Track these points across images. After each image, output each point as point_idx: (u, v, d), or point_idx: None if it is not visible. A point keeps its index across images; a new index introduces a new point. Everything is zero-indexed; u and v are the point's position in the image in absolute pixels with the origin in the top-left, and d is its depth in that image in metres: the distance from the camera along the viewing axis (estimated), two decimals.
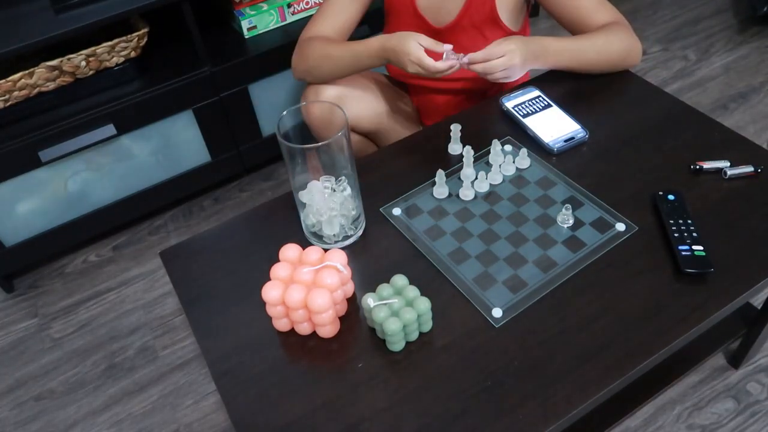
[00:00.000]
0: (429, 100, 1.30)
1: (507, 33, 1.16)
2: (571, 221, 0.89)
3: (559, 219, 0.90)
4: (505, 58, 0.99)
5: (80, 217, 1.51)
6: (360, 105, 1.21)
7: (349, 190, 0.87)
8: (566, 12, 1.11)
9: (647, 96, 1.12)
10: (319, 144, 0.79)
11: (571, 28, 1.13)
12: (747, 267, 0.82)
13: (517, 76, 1.04)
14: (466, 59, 1.00)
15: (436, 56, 1.00)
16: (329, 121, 1.02)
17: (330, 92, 1.16)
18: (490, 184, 0.97)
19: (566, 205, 0.88)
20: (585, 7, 1.09)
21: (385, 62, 1.07)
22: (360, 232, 0.91)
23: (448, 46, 1.00)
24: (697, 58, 2.04)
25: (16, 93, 1.32)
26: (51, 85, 1.36)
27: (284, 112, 0.83)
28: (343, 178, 0.86)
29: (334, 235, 0.89)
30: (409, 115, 1.34)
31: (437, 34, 1.16)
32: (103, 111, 1.38)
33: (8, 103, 1.33)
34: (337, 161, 0.85)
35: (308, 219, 0.89)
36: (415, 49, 0.99)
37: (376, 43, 1.05)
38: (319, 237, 0.90)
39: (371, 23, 1.58)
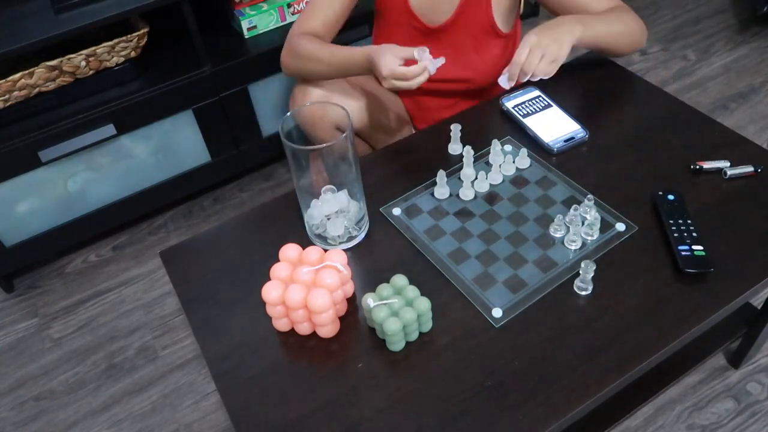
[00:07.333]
0: (420, 102, 1.30)
1: (499, 36, 1.16)
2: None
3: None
4: (524, 47, 0.98)
5: (80, 217, 1.51)
6: (346, 104, 1.20)
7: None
8: (567, 4, 1.10)
9: (647, 96, 1.12)
10: (323, 145, 0.79)
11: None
12: (747, 267, 0.82)
13: (559, 54, 1.00)
14: (439, 62, 0.98)
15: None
16: (319, 118, 1.01)
17: (317, 92, 1.16)
18: (490, 184, 0.97)
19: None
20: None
21: (371, 73, 1.04)
22: (364, 233, 0.91)
23: (424, 48, 0.98)
24: (697, 58, 2.04)
25: (16, 93, 1.32)
26: (51, 85, 1.36)
27: (288, 113, 0.83)
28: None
29: (338, 236, 0.89)
30: (400, 115, 1.33)
31: (430, 33, 1.15)
32: (103, 111, 1.38)
33: (8, 103, 1.33)
34: (341, 162, 0.84)
35: (312, 219, 0.89)
36: (387, 63, 0.96)
37: (361, 55, 1.04)
38: (324, 239, 0.90)
39: (371, 23, 1.58)
